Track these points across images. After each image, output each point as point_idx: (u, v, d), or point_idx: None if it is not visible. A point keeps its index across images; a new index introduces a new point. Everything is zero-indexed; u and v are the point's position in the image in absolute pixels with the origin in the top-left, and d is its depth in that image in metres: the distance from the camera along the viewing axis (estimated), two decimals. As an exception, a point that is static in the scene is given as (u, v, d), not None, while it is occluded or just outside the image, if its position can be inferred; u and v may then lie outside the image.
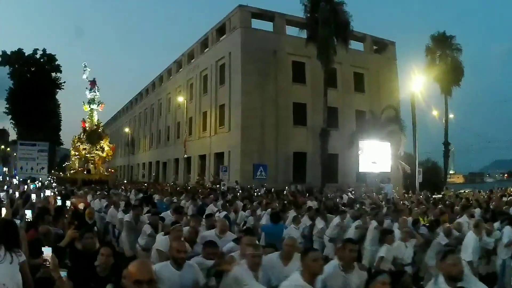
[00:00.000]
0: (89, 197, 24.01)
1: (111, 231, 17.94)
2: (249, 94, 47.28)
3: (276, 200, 23.57)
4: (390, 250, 11.35)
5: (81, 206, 17.61)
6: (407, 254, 11.88)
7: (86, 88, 55.19)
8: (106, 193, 26.30)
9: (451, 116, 55.57)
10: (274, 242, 10.44)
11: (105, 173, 53.69)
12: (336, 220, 15.47)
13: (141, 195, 27.05)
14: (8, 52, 70.19)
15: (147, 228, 12.50)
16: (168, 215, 14.64)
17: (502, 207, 18.18)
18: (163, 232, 10.79)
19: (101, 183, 42.41)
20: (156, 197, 23.81)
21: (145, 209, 16.57)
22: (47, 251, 5.53)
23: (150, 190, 32.46)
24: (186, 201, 21.50)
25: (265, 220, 15.87)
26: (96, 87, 55.41)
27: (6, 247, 5.73)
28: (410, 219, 14.86)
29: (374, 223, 14.10)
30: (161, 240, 9.92)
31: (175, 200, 21.96)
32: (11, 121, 74.85)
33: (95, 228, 13.36)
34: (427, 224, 14.58)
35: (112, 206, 18.47)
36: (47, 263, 5.46)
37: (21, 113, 67.94)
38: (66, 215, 12.19)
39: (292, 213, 16.80)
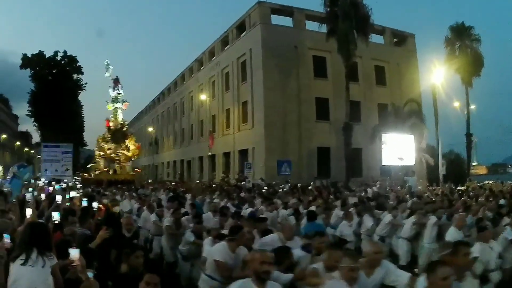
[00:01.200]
0: (117, 198, 22.29)
1: (143, 238, 15.89)
2: (271, 90, 47.42)
3: (307, 196, 22.21)
4: (485, 250, 9.61)
5: (116, 209, 16.61)
6: (492, 257, 9.91)
7: (109, 86, 54.66)
8: (135, 194, 25.29)
9: (472, 107, 55.14)
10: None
11: (131, 172, 53.06)
12: (387, 217, 14.46)
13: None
14: (29, 55, 70.67)
15: (189, 236, 11.62)
16: (208, 216, 14.14)
17: None
18: (210, 238, 10.00)
19: (127, 183, 41.63)
20: (188, 196, 22.51)
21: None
22: (73, 252, 5.50)
23: (179, 189, 31.66)
24: (221, 200, 20.22)
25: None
26: (120, 85, 54.80)
27: (38, 251, 5.71)
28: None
29: (433, 219, 13.18)
30: (220, 249, 8.46)
31: (207, 200, 21.09)
32: (34, 123, 75.34)
33: (136, 241, 11.98)
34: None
35: (145, 209, 17.13)
36: (74, 264, 5.45)
37: (43, 116, 68.25)
38: (98, 217, 12.21)
39: (337, 211, 15.94)
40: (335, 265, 6.31)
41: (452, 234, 11.10)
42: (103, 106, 55.99)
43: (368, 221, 14.57)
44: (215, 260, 8.32)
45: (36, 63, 70.59)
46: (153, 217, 15.29)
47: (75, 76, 74.44)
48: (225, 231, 10.20)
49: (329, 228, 14.62)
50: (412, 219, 13.72)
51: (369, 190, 29.86)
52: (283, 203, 18.19)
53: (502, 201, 17.64)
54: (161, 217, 14.91)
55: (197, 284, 9.91)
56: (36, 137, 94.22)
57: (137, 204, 19.59)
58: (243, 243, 8.68)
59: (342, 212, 15.46)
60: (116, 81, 54.84)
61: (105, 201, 18.28)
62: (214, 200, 20.32)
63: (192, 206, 16.94)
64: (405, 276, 6.77)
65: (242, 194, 24.55)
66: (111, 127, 53.74)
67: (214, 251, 8.58)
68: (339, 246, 7.69)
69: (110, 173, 51.03)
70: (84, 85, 76.42)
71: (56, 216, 8.39)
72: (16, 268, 5.50)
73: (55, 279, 5.75)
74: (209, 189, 31.40)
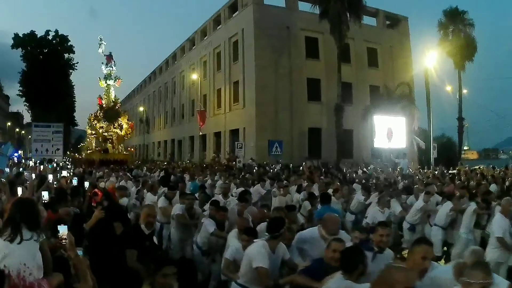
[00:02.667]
0: (112, 180, 20.09)
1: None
2: (263, 70, 47.30)
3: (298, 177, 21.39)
4: None
5: (123, 201, 13.84)
6: None
7: (102, 63, 52.95)
8: (130, 175, 23.55)
9: (464, 91, 55.22)
10: None
11: (124, 152, 51.76)
12: (419, 203, 13.39)
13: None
14: (21, 35, 70.08)
15: (209, 225, 9.99)
16: (219, 199, 12.66)
17: None
18: (235, 230, 8.84)
19: (119, 163, 40.86)
20: (187, 177, 21.71)
21: (162, 189, 14.87)
22: (62, 229, 5.53)
23: (177, 170, 31.08)
24: (223, 182, 18.88)
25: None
26: (113, 62, 53.13)
27: (26, 228, 5.64)
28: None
29: (472, 205, 12.16)
30: (261, 252, 6.90)
31: (209, 181, 19.85)
32: (25, 103, 75.24)
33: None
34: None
35: (146, 191, 15.03)
36: (63, 241, 5.41)
37: (35, 96, 67.86)
38: (95, 203, 11.38)
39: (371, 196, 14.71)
40: (424, 267, 5.31)
41: (499, 222, 10.24)
42: (95, 86, 55.56)
43: (396, 207, 13.55)
44: (257, 268, 6.76)
45: (27, 43, 70.07)
46: (161, 202, 12.95)
47: (66, 55, 74.04)
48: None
49: (348, 214, 14.64)
50: (449, 205, 12.68)
51: (359, 171, 30.09)
52: (297, 186, 17.19)
53: (493, 186, 17.61)
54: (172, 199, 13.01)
55: (218, 282, 9.52)
56: (27, 118, 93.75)
57: (135, 187, 17.06)
58: (285, 240, 7.60)
59: (363, 197, 14.80)
60: (109, 58, 53.17)
61: (102, 184, 16.15)
62: (218, 181, 19.49)
63: (202, 188, 15.44)
64: None
65: (247, 175, 23.76)
66: (104, 105, 52.18)
67: (254, 254, 6.91)
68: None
69: (102, 152, 49.25)
70: (76, 65, 76.11)
71: (46, 195, 8.28)
72: (4, 245, 5.44)
73: (44, 256, 5.70)
74: (210, 169, 30.58)
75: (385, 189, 15.54)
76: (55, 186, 13.56)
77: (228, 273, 7.77)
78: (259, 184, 18.10)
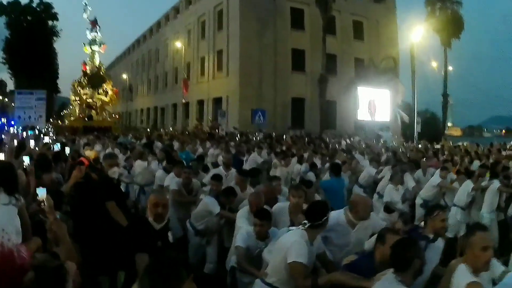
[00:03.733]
0: (97, 147, 18.53)
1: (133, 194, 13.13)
2: (247, 40, 47.17)
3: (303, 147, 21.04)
4: None
5: (113, 172, 9.78)
6: None
7: (87, 28, 51.70)
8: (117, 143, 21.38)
9: (450, 68, 55.50)
10: (335, 200, 8.45)
11: (108, 119, 50.71)
12: (435, 179, 12.38)
13: (159, 144, 21.54)
14: (5, 2, 68.95)
15: (212, 204, 8.46)
16: (220, 172, 11.22)
17: (502, 160, 17.80)
18: (246, 209, 7.54)
19: (103, 130, 39.24)
20: (176, 145, 20.13)
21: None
22: (41, 192, 5.20)
23: (165, 137, 28.82)
24: (214, 150, 18.21)
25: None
26: (98, 27, 51.82)
27: (5, 191, 5.54)
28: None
29: (496, 183, 11.25)
30: (302, 243, 5.34)
31: (200, 150, 18.84)
32: (9, 71, 74.24)
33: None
34: None
35: (134, 159, 13.86)
36: (42, 205, 5.14)
37: (18, 63, 67.34)
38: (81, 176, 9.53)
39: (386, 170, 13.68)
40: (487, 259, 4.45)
41: None
42: (78, 53, 54.25)
43: (410, 182, 12.41)
44: (293, 263, 5.27)
45: (11, 11, 69.12)
46: (159, 175, 11.92)
47: (50, 23, 73.26)
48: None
49: (356, 186, 13.71)
50: (469, 184, 11.52)
51: (342, 142, 30.17)
52: (298, 157, 15.75)
53: (476, 163, 17.59)
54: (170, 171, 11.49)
55: (215, 263, 8.82)
56: (10, 85, 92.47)
57: (122, 154, 15.68)
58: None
59: (375, 170, 14.00)
60: (93, 23, 51.77)
61: (88, 152, 14.02)
62: (210, 150, 18.66)
63: (200, 159, 14.07)
64: None
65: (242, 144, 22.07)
66: (88, 71, 51.07)
67: (291, 246, 5.31)
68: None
69: (86, 119, 48.20)
70: (59, 32, 75.34)
71: (27, 160, 8.08)
72: None
73: (22, 220, 5.63)
74: (199, 136, 29.48)
75: (398, 164, 14.02)
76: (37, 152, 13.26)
77: (248, 267, 6.38)
78: (255, 152, 17.11)
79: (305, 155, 16.42)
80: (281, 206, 7.48)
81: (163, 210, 5.65)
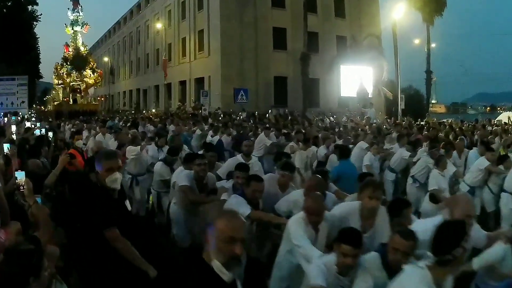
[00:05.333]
0: (85, 134, 16.86)
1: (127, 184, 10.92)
2: (228, 19, 46.95)
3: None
4: None
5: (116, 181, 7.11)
6: None
7: (68, 8, 50.97)
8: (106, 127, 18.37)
9: (433, 45, 55.44)
10: (351, 188, 7.38)
11: (93, 102, 50.38)
12: (481, 161, 11.01)
13: (151, 128, 20.11)
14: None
15: (241, 204, 6.28)
16: (237, 160, 9.14)
17: (487, 136, 17.65)
18: (302, 216, 5.49)
19: (89, 114, 38.60)
20: (172, 128, 18.48)
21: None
22: (20, 176, 5.21)
23: (155, 119, 27.27)
24: (214, 133, 16.52)
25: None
26: (80, 7, 50.94)
27: None
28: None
29: None
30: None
31: (198, 132, 17.09)
32: (-12, 58, 73.59)
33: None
34: None
35: (127, 144, 11.74)
36: (21, 188, 5.10)
37: (-2, 49, 66.72)
38: (73, 167, 9.07)
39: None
40: None
41: None
42: (60, 37, 53.25)
43: (449, 167, 10.77)
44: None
45: (-10, -3, 67.99)
46: (160, 168, 10.06)
47: (30, 7, 72.39)
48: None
49: (387, 171, 12.63)
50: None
51: (326, 120, 30.17)
52: (313, 138, 13.90)
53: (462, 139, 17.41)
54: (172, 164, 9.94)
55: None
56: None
57: (113, 139, 14.08)
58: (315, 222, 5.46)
59: (409, 152, 12.35)
60: (75, 2, 51.28)
61: (80, 143, 11.98)
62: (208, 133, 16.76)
63: (210, 147, 10.88)
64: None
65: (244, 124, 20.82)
66: (71, 52, 50.10)
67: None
68: None
69: (70, 103, 47.13)
70: (39, 17, 74.44)
71: (6, 148, 7.78)
72: None
73: (0, 204, 5.28)
74: (192, 118, 27.81)
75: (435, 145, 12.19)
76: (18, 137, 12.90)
77: None
78: (262, 133, 15.12)
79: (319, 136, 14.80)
80: (348, 208, 5.71)
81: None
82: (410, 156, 12.21)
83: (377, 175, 11.24)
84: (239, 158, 9.52)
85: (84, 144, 13.83)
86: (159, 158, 10.96)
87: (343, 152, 10.50)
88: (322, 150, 12.87)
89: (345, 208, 5.69)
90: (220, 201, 7.06)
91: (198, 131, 17.25)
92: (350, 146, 13.06)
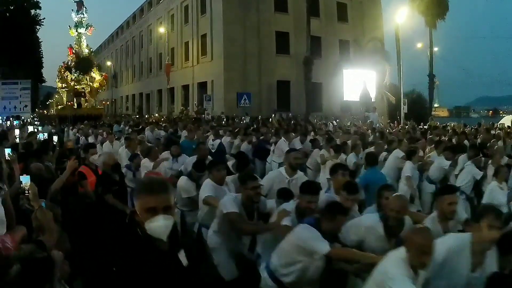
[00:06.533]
0: (90, 140, 16.34)
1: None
2: (231, 23, 46.92)
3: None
4: None
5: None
6: None
7: (72, 10, 49.36)
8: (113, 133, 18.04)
9: (435, 49, 55.45)
10: (373, 194, 6.76)
11: (98, 106, 49.54)
12: None
13: (161, 132, 19.10)
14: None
15: (314, 239, 5.04)
16: (281, 176, 8.06)
17: (490, 140, 17.48)
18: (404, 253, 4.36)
19: (93, 118, 37.12)
20: (184, 133, 16.96)
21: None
22: (25, 180, 5.17)
23: (165, 124, 25.19)
24: (232, 139, 15.33)
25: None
26: (84, 8, 49.54)
27: None
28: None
29: None
30: None
31: (212, 139, 15.59)
32: (-9, 62, 73.69)
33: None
34: None
35: (142, 156, 10.76)
36: (26, 193, 5.09)
37: (1, 54, 66.83)
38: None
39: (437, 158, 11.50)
40: None
41: None
42: (64, 43, 52.77)
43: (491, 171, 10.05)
44: None
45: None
46: (185, 184, 8.20)
47: (33, 11, 72.49)
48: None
49: (425, 183, 11.34)
50: None
51: (329, 124, 30.13)
52: (341, 144, 12.54)
53: (465, 143, 17.30)
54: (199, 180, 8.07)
55: None
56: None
57: (124, 147, 12.80)
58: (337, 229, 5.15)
59: (449, 162, 11.24)
60: (80, 4, 49.82)
61: (95, 158, 9.37)
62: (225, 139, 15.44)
63: (240, 155, 10.33)
64: None
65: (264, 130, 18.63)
66: (75, 54, 48.66)
67: None
68: None
69: (74, 107, 45.97)
70: (42, 21, 74.50)
71: (7, 152, 7.64)
72: None
73: (6, 208, 5.33)
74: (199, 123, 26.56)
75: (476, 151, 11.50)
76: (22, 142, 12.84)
77: None
78: (282, 139, 14.03)
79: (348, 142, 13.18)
80: (459, 242, 4.66)
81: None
82: (450, 166, 11.28)
83: (416, 187, 10.53)
84: (282, 172, 8.16)
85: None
86: (178, 169, 10.02)
87: (371, 159, 9.83)
88: (351, 158, 11.67)
89: (456, 242, 4.63)
90: (282, 228, 5.69)
91: (232, 139, 15.61)
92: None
